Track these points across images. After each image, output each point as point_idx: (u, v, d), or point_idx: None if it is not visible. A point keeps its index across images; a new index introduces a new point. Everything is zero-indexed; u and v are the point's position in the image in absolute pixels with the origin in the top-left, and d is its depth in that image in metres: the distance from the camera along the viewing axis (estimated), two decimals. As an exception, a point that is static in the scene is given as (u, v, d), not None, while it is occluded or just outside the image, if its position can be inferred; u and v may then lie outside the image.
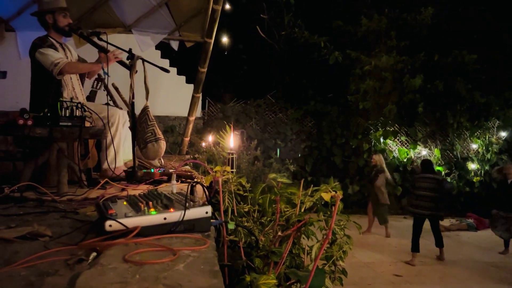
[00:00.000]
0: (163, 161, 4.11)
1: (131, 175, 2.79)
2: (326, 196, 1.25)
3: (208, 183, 1.66)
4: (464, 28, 9.42)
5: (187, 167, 3.73)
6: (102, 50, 3.01)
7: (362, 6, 9.91)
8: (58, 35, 3.08)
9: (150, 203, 1.38)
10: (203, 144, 6.85)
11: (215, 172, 1.66)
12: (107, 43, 2.94)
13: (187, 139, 6.61)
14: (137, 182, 2.71)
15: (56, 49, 3.00)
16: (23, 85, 3.75)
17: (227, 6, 9.06)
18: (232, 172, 2.05)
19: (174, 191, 1.61)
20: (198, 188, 1.50)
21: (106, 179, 2.45)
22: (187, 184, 1.47)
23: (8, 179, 2.49)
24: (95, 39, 2.96)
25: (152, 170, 3.09)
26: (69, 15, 3.15)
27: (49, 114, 2.40)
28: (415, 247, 6.06)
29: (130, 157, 3.21)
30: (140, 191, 1.93)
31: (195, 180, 1.60)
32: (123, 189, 2.42)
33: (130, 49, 2.91)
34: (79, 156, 2.66)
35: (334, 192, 1.25)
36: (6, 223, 1.53)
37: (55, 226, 1.53)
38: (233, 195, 1.76)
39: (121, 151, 3.00)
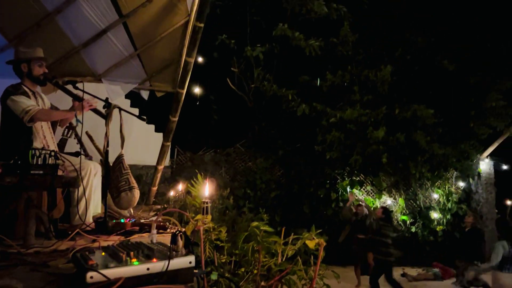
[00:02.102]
0: (132, 211, 4.00)
1: (102, 226, 2.70)
2: (311, 244, 1.28)
3: (190, 232, 1.64)
4: (422, 84, 10.14)
5: (158, 217, 3.64)
6: (76, 99, 3.02)
7: (327, 63, 10.50)
8: (32, 84, 3.07)
9: (131, 253, 1.35)
10: (171, 193, 6.74)
11: (196, 221, 1.66)
12: (83, 91, 2.95)
13: (154, 189, 6.50)
14: (108, 232, 2.62)
15: (28, 97, 2.98)
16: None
17: (200, 59, 9.36)
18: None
19: (154, 241, 1.58)
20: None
21: (78, 230, 2.36)
22: (171, 233, 1.46)
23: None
24: (71, 88, 2.98)
25: (123, 220, 3.01)
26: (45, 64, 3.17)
27: (19, 162, 2.33)
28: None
29: (99, 210, 3.13)
30: (111, 242, 1.87)
31: (176, 229, 1.58)
32: (94, 240, 2.33)
33: (107, 98, 2.93)
34: (48, 206, 2.56)
35: (318, 239, 1.28)
36: (-28, 277, 1.44)
37: (26, 280, 1.46)
38: (214, 245, 1.75)
39: (91, 204, 2.91)
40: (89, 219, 2.83)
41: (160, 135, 8.07)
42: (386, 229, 6.48)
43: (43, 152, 2.39)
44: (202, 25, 4.33)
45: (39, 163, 2.33)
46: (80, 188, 2.76)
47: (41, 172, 2.29)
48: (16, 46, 4.61)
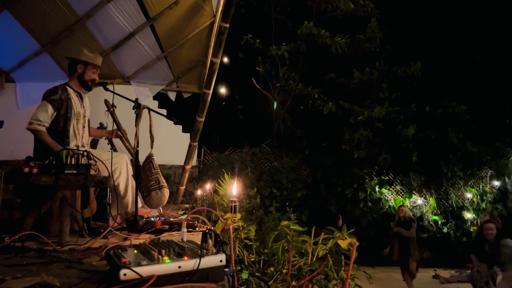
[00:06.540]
0: (161, 210, 4.07)
1: (133, 224, 2.75)
2: (343, 244, 1.25)
3: (219, 231, 1.64)
4: (454, 80, 9.82)
5: (184, 216, 3.68)
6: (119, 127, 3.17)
7: (354, 60, 10.34)
8: (79, 85, 3.15)
9: (163, 251, 1.36)
10: (199, 192, 6.82)
11: (226, 219, 1.66)
12: (114, 93, 3.01)
13: (182, 188, 6.56)
14: (138, 231, 2.67)
15: (61, 103, 2.98)
16: (18, 135, 3.76)
17: (225, 59, 9.42)
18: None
19: (185, 239, 1.59)
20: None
21: (110, 228, 2.41)
22: (200, 232, 1.47)
23: (5, 228, 2.43)
24: (104, 90, 3.05)
25: (153, 219, 3.05)
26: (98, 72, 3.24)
27: (54, 162, 2.40)
28: None
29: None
30: (142, 240, 1.90)
31: (206, 228, 1.58)
32: (125, 238, 2.38)
33: (137, 99, 2.98)
34: (81, 204, 2.63)
35: (350, 239, 1.25)
36: (11, 273, 1.49)
37: (62, 276, 1.49)
38: (243, 243, 1.75)
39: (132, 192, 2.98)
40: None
41: (187, 136, 8.16)
42: None
43: (76, 152, 2.46)
44: (227, 25, 4.35)
45: (73, 163, 2.40)
46: (121, 182, 2.83)
47: (74, 171, 2.35)
48: (49, 50, 4.80)
